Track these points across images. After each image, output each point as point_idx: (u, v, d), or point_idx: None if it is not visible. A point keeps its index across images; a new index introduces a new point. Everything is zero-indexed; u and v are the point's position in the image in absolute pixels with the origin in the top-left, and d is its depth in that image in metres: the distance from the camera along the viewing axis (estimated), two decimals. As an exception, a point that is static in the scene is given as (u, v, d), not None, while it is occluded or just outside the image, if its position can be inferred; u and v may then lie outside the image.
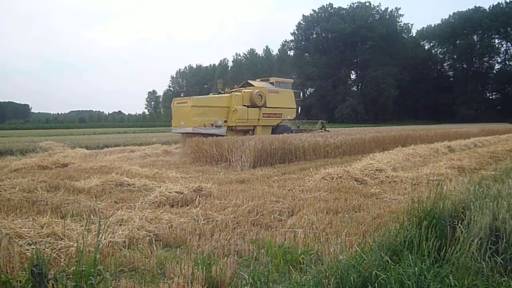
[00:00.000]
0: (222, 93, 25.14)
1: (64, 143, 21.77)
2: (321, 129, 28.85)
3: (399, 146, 17.26)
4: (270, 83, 27.01)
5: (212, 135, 19.80)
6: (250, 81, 27.12)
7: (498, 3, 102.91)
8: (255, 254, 4.71)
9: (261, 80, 27.81)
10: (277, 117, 25.64)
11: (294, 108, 27.06)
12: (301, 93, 30.53)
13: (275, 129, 24.99)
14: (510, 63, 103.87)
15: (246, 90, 24.49)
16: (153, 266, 4.33)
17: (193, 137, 18.54)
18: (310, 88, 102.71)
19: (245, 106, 23.76)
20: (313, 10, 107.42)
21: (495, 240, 3.77)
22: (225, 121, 23.14)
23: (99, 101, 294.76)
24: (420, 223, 4.25)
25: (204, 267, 4.05)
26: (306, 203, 7.33)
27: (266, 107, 24.69)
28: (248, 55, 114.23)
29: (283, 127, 25.36)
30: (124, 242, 5.06)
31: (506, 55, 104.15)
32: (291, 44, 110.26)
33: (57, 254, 4.45)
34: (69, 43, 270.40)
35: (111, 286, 3.61)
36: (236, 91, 25.10)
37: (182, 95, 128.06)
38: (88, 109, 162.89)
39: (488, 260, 3.61)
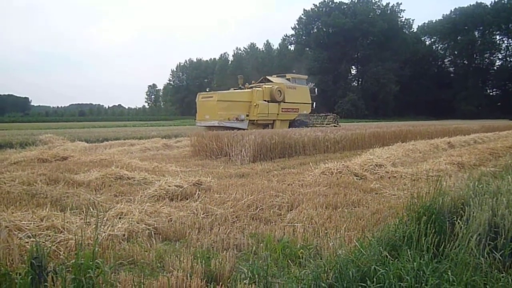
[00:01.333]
0: (243, 88, 26.68)
1: (64, 136, 21.74)
2: (334, 123, 29.73)
3: (399, 142, 17.27)
4: (287, 79, 28.59)
5: (235, 128, 21.02)
6: (268, 77, 28.32)
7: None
8: (254, 248, 4.72)
9: (277, 76, 29.16)
10: (294, 111, 27.19)
11: (309, 104, 28.65)
12: (316, 89, 32.11)
13: (292, 123, 26.49)
14: (511, 59, 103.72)
15: (266, 86, 25.94)
16: (152, 259, 4.34)
17: (217, 130, 19.19)
18: (310, 83, 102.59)
19: (265, 101, 25.23)
20: (314, 4, 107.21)
21: (494, 236, 3.78)
22: (247, 115, 24.61)
23: (99, 95, 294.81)
24: (419, 218, 4.25)
25: (203, 261, 4.06)
26: (305, 197, 7.33)
27: (285, 102, 26.17)
28: (248, 50, 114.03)
29: (300, 121, 26.78)
30: (124, 235, 5.07)
31: (507, 52, 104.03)
32: (292, 38, 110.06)
33: (56, 247, 4.46)
34: (70, 37, 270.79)
35: (110, 279, 3.61)
36: (256, 86, 26.61)
37: (185, 89, 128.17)
38: (88, 103, 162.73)
39: (486, 256, 3.61)
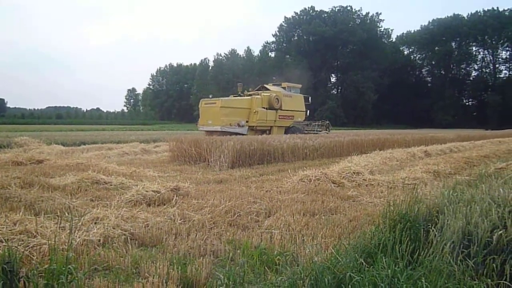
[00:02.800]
0: (242, 96, 28.27)
1: (40, 139, 21.39)
2: (325, 130, 30.75)
3: (377, 150, 17.44)
4: (283, 87, 30.22)
5: (236, 133, 22.40)
6: (266, 85, 29.88)
7: (476, 11, 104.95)
8: (231, 254, 4.71)
9: (273, 85, 30.87)
10: (290, 119, 28.84)
11: (304, 111, 30.62)
12: (309, 97, 33.27)
13: (287, 130, 27.73)
14: (487, 70, 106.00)
15: (265, 94, 27.47)
16: (128, 265, 4.29)
17: (219, 135, 20.14)
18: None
19: (264, 108, 26.64)
20: (295, 12, 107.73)
21: (467, 244, 3.83)
22: (247, 121, 25.95)
23: (77, 98, 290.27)
24: (394, 226, 4.30)
25: (180, 267, 4.03)
26: (283, 204, 7.35)
27: (281, 109, 27.73)
28: (229, 56, 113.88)
29: (295, 128, 27.86)
30: (99, 240, 5.01)
31: (483, 63, 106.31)
32: (273, 45, 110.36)
33: (29, 251, 4.39)
34: (48, 38, 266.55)
35: (84, 285, 3.56)
36: (254, 94, 28.00)
37: (165, 94, 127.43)
38: (66, 105, 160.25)
39: (460, 264, 3.66)
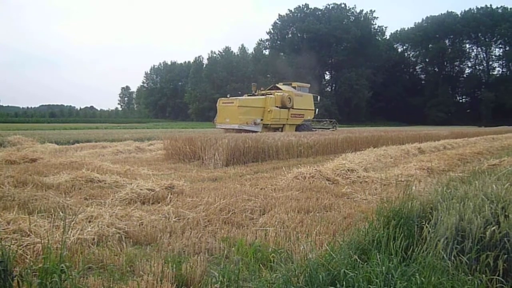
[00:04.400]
0: (256, 95, 30.17)
1: (34, 137, 21.26)
2: (332, 128, 33.12)
3: (371, 147, 17.46)
4: (293, 87, 31.74)
5: (252, 131, 23.72)
6: (278, 85, 31.64)
7: (470, 8, 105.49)
8: (225, 252, 4.71)
9: (283, 84, 32.25)
10: (300, 117, 30.52)
11: (313, 110, 32.24)
12: (318, 97, 35.29)
13: (298, 128, 29.69)
14: (480, 67, 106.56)
15: (278, 93, 29.23)
16: (122, 264, 4.29)
17: (236, 132, 21.57)
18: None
19: (277, 107, 28.48)
20: (289, 10, 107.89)
21: (460, 240, 3.85)
22: (261, 120, 27.74)
23: (71, 96, 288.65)
24: (388, 222, 4.32)
25: (174, 265, 4.03)
26: (278, 202, 7.36)
27: (293, 108, 29.51)
28: (223, 53, 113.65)
29: (305, 126, 30.16)
30: (93, 239, 4.99)
31: (476, 60, 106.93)
32: (267, 43, 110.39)
33: (23, 250, 4.37)
34: (41, 36, 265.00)
35: (78, 283, 3.55)
36: (267, 93, 29.88)
37: (159, 92, 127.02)
38: (59, 104, 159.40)
39: (453, 259, 3.69)
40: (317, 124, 33.80)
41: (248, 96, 30.32)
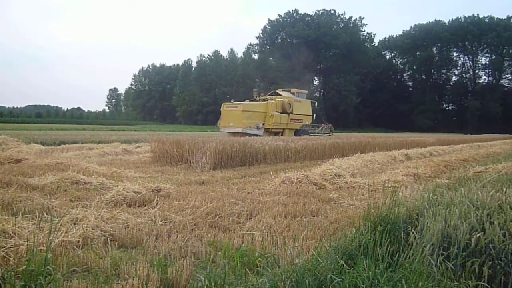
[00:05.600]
0: (257, 100, 31.82)
1: (19, 138, 20.99)
2: (329, 133, 34.54)
3: (358, 153, 17.53)
4: (291, 93, 33.60)
5: (254, 135, 25.16)
6: (278, 91, 33.42)
7: (457, 17, 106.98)
8: (212, 256, 4.68)
9: (283, 90, 34.13)
10: (299, 122, 32.35)
11: (311, 115, 34.22)
12: (316, 102, 37.56)
13: (297, 132, 31.37)
14: (467, 76, 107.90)
15: (278, 99, 30.94)
16: (107, 267, 4.24)
17: (240, 136, 22.07)
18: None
19: (278, 112, 30.08)
20: (278, 15, 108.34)
21: (446, 246, 3.87)
22: (263, 124, 29.26)
23: (58, 96, 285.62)
24: (375, 228, 4.33)
25: (160, 269, 3.99)
26: (265, 206, 7.34)
27: (292, 113, 31.21)
28: (212, 57, 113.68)
29: (303, 130, 31.88)
30: (78, 241, 4.93)
31: (463, 68, 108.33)
32: (256, 47, 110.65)
33: (6, 252, 4.28)
34: (27, 34, 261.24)
35: (63, 287, 3.50)
36: (268, 99, 31.47)
37: (147, 94, 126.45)
38: (46, 104, 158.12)
39: (439, 265, 3.71)
40: (315, 129, 35.36)
41: (249, 101, 31.77)
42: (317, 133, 33.60)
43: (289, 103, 30.69)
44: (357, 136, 30.37)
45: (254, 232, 5.66)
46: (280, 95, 32.29)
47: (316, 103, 37.87)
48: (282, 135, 29.40)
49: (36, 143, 19.92)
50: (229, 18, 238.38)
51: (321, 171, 11.02)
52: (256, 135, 24.74)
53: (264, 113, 29.67)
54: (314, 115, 35.27)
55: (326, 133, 33.81)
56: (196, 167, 13.19)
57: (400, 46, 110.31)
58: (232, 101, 31.44)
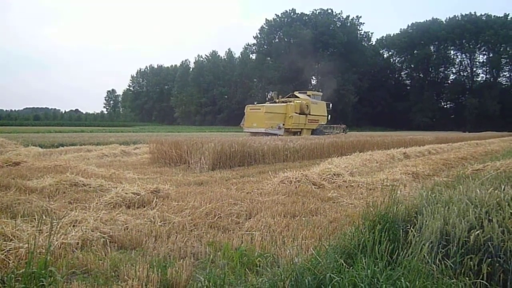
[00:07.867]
0: (277, 102, 34.24)
1: (17, 140, 21.02)
2: (343, 132, 37.16)
3: (357, 152, 17.56)
4: (308, 95, 36.28)
5: (275, 134, 26.99)
6: (295, 93, 36.07)
7: (455, 15, 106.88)
8: (211, 256, 4.69)
9: (299, 93, 36.84)
10: (316, 122, 34.99)
11: (326, 116, 36.98)
12: (330, 104, 39.12)
13: (313, 132, 33.83)
14: (464, 74, 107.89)
15: (297, 101, 33.28)
16: (107, 268, 4.24)
17: (262, 135, 23.44)
18: (271, 92, 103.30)
19: (297, 113, 32.49)
20: (276, 15, 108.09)
21: (445, 244, 3.88)
22: (283, 124, 31.58)
23: (56, 99, 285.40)
24: (374, 227, 4.34)
25: (160, 270, 3.99)
26: (264, 206, 7.34)
27: (310, 114, 33.61)
28: (210, 57, 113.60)
29: (319, 130, 34.46)
30: (77, 243, 4.93)
31: (461, 66, 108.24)
32: (253, 47, 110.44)
33: (5, 255, 4.28)
34: (25, 37, 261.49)
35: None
36: (287, 101, 33.85)
37: (145, 96, 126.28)
38: (44, 106, 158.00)
39: (438, 263, 3.71)
40: (329, 129, 37.68)
41: (270, 103, 34.24)
42: (331, 133, 35.14)
43: (307, 105, 32.99)
44: (355, 135, 30.49)
45: (253, 232, 5.67)
46: (297, 97, 34.54)
47: (331, 104, 39.51)
48: (300, 134, 31.67)
49: (35, 145, 19.89)
50: (227, 19, 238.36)
51: (320, 170, 11.03)
52: (277, 135, 26.51)
53: (284, 114, 31.96)
54: (329, 115, 37.64)
55: (339, 133, 35.52)
56: (194, 168, 13.18)
57: (397, 44, 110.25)
58: (255, 103, 34.04)
